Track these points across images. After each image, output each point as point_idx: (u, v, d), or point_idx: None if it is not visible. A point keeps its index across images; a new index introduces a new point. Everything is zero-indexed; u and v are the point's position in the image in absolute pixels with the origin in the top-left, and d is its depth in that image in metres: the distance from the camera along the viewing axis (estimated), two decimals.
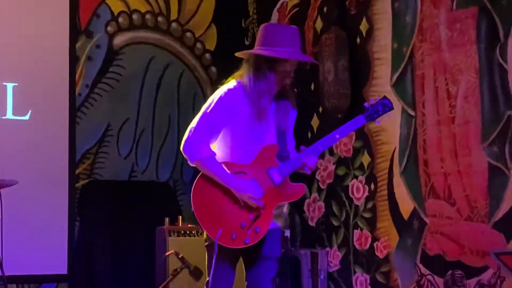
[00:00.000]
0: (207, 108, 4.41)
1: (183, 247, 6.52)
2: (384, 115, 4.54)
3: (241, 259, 4.52)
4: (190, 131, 4.37)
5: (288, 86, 4.51)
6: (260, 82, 4.37)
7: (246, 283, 4.51)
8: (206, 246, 4.47)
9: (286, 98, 4.53)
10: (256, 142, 4.39)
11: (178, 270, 6.36)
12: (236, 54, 4.58)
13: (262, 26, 4.60)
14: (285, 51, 4.36)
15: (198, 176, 4.37)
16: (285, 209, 4.57)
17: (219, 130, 4.39)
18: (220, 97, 4.41)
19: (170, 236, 6.66)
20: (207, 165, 4.32)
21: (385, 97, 4.59)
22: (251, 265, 4.47)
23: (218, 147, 4.43)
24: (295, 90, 4.66)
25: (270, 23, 4.43)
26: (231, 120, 4.38)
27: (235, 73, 4.53)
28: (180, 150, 4.40)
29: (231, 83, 4.47)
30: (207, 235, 4.39)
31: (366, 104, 4.55)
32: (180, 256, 6.31)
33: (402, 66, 6.48)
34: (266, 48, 4.38)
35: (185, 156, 4.38)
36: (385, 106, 4.53)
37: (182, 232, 6.67)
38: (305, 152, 4.42)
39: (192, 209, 4.32)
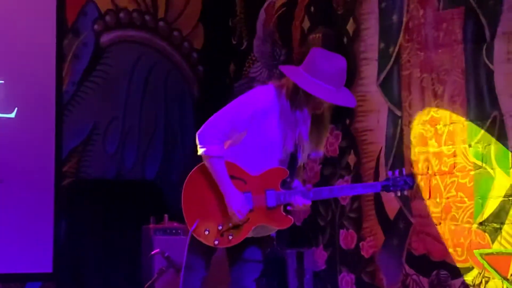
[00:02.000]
0: (236, 106, 4.37)
1: (168, 246, 6.51)
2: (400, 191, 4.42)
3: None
4: (211, 123, 4.33)
5: (321, 116, 4.41)
6: (296, 110, 4.30)
7: (230, 279, 4.54)
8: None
9: (316, 126, 4.44)
10: (271, 158, 4.36)
11: (164, 269, 6.36)
12: (280, 67, 4.49)
13: (315, 49, 4.47)
14: (322, 89, 4.24)
15: (199, 165, 4.37)
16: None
17: (240, 131, 4.34)
18: (253, 100, 4.35)
19: (155, 235, 6.64)
20: (213, 164, 4.30)
21: (411, 174, 4.58)
22: (233, 264, 4.50)
23: (234, 146, 4.39)
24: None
25: (324, 49, 4.33)
26: (255, 125, 4.32)
27: (276, 79, 4.47)
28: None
29: (268, 88, 4.38)
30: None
31: (389, 173, 4.43)
32: (165, 255, 6.31)
33: (389, 66, 6.49)
34: (308, 75, 4.26)
35: (196, 143, 4.34)
36: (406, 183, 4.38)
37: (168, 230, 6.65)
38: (309, 193, 4.35)
39: (182, 191, 4.35)
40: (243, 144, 4.36)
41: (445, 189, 5.99)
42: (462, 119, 5.88)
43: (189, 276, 4.44)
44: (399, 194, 4.43)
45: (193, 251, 4.42)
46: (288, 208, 4.39)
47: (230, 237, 4.30)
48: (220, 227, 4.30)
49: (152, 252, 6.48)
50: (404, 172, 4.40)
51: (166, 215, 6.79)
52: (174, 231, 6.63)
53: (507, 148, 5.60)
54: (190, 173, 4.39)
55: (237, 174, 4.32)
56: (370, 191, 4.49)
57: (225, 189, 4.28)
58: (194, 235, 4.34)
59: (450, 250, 5.94)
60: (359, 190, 4.59)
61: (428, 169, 6.11)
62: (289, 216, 4.36)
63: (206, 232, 4.31)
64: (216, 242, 4.31)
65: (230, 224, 4.30)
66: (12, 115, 7.06)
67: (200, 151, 4.31)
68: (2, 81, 7.03)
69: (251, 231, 4.33)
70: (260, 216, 4.32)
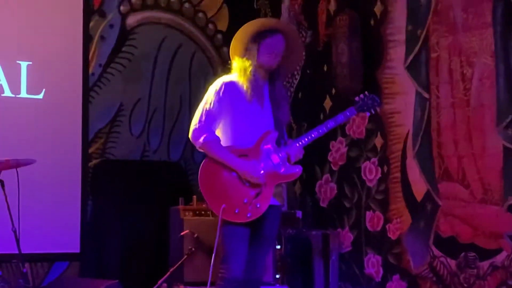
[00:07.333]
0: (206, 98, 4.89)
1: (197, 227, 6.54)
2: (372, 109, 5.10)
3: None
4: (193, 122, 4.76)
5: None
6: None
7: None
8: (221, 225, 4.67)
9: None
10: (256, 129, 4.74)
11: (193, 249, 6.40)
12: None
13: None
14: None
15: (205, 158, 4.71)
16: (284, 189, 4.83)
17: (220, 117, 4.73)
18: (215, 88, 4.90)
19: (184, 216, 6.66)
20: (212, 148, 4.66)
21: (374, 94, 5.10)
22: (252, 244, 4.72)
23: (223, 131, 4.76)
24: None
25: None
26: (229, 107, 4.77)
27: None
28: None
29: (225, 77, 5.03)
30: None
31: (356, 98, 5.05)
32: (195, 236, 6.35)
33: (417, 48, 6.48)
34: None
35: (194, 144, 4.74)
36: (375, 100, 5.08)
37: (197, 212, 6.68)
38: (296, 141, 4.82)
39: (199, 187, 4.67)
40: (228, 127, 4.73)
41: (473, 172, 6.00)
42: (491, 101, 5.88)
43: (236, 259, 4.63)
44: (372, 111, 5.11)
45: (233, 237, 4.63)
46: (292, 160, 4.77)
47: (258, 205, 4.62)
48: (245, 200, 4.60)
49: (182, 233, 6.52)
50: (367, 93, 5.06)
51: (194, 196, 6.80)
52: (203, 212, 6.64)
53: None
54: (200, 168, 4.71)
55: (237, 153, 4.67)
56: (350, 116, 4.99)
57: (233, 162, 4.63)
58: (227, 219, 4.59)
59: (478, 232, 5.95)
60: (340, 118, 4.91)
61: (456, 151, 6.12)
62: (296, 165, 4.76)
63: (237, 211, 4.59)
64: (249, 215, 4.60)
65: (253, 194, 4.61)
66: (40, 96, 7.10)
67: (198, 145, 4.68)
68: (30, 62, 7.06)
69: (273, 192, 4.68)
70: (273, 176, 4.67)
